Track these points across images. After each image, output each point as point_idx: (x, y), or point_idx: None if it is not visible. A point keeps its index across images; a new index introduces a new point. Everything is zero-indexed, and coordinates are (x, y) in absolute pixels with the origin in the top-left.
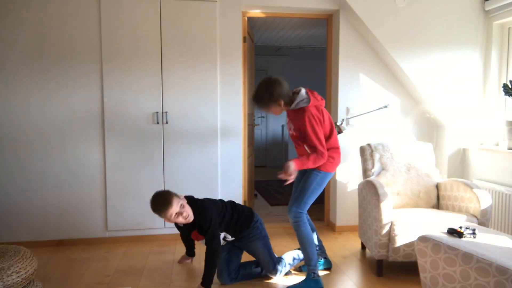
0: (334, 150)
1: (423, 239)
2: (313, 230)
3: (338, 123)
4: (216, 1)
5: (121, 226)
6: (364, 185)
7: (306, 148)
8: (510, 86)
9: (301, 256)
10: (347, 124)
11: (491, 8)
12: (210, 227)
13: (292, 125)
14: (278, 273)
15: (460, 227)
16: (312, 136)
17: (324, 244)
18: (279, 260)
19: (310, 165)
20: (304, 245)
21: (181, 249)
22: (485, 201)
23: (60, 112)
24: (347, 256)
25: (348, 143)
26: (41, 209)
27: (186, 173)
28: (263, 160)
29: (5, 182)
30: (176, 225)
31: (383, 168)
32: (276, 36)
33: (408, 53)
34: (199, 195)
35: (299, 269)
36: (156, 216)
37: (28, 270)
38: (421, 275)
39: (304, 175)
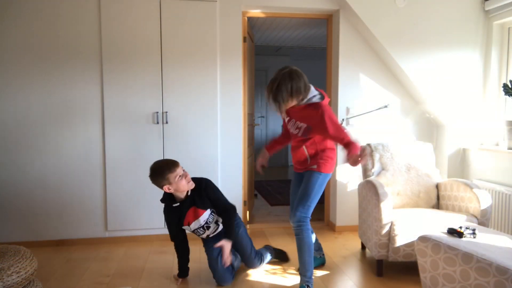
0: (332, 150)
1: (423, 239)
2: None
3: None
4: (216, 1)
5: (121, 226)
6: (364, 185)
7: (305, 148)
8: (510, 86)
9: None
10: (347, 124)
11: (491, 8)
12: (217, 190)
13: (302, 123)
14: (262, 264)
15: (460, 227)
16: (337, 128)
17: (323, 244)
18: (260, 252)
19: (357, 147)
20: (303, 253)
21: None
22: (485, 201)
23: (60, 112)
24: (347, 256)
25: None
26: (41, 209)
27: None
28: None
29: (5, 182)
30: (170, 225)
31: (383, 168)
32: (276, 36)
33: (408, 53)
34: None
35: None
36: (156, 216)
37: (28, 270)
38: (421, 275)
39: (304, 178)
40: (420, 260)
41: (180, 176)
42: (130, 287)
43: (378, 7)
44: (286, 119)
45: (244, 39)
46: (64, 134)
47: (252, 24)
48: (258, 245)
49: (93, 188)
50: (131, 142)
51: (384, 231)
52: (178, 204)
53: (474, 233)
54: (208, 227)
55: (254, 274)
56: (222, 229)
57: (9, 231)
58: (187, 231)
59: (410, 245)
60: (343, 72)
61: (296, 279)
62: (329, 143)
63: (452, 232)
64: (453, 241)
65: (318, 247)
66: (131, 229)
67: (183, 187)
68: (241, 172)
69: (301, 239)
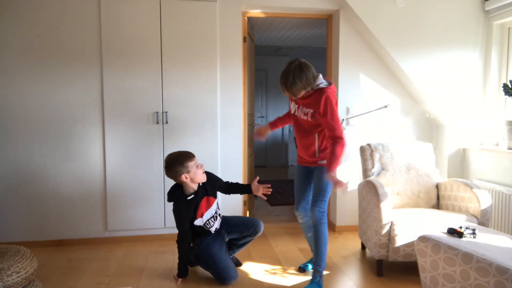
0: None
1: (423, 239)
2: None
3: None
4: (216, 1)
5: (121, 226)
6: (364, 185)
7: (316, 136)
8: (510, 86)
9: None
10: (347, 124)
11: (491, 8)
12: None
13: (308, 109)
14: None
15: (460, 227)
16: (333, 117)
17: None
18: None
19: (339, 159)
20: (319, 245)
21: None
22: (485, 201)
23: (60, 112)
24: (347, 256)
25: (348, 143)
26: (41, 209)
27: None
28: (263, 160)
29: (5, 182)
30: (183, 220)
31: (383, 168)
32: (276, 36)
33: (408, 53)
34: None
35: (301, 269)
36: (156, 216)
37: (28, 270)
38: (421, 275)
39: (315, 175)
40: (420, 260)
41: (197, 165)
42: (130, 287)
43: (378, 7)
44: (294, 108)
45: (244, 39)
46: (64, 134)
47: (252, 24)
48: (258, 244)
49: (93, 188)
50: (131, 142)
51: (384, 231)
52: (192, 196)
53: (474, 233)
54: (217, 217)
55: (254, 274)
56: (221, 225)
57: (9, 231)
58: (198, 224)
59: (410, 245)
60: (343, 72)
61: (296, 279)
62: (338, 134)
63: (452, 232)
64: (453, 241)
65: None
66: (131, 229)
67: (200, 176)
68: (241, 172)
69: (319, 232)
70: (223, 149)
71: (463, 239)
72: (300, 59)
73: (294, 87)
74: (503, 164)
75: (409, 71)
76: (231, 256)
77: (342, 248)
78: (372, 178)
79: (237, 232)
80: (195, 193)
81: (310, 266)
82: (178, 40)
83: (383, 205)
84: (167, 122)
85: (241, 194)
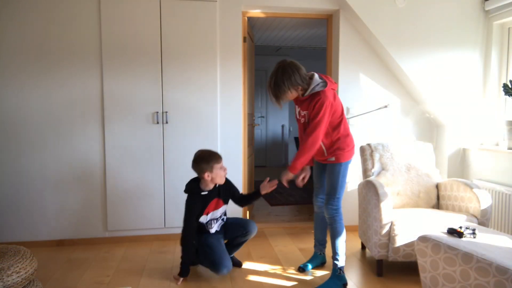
0: (346, 137)
1: (423, 239)
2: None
3: None
4: (216, 1)
5: (121, 226)
6: (364, 185)
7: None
8: (510, 86)
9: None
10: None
11: (491, 8)
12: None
13: (304, 112)
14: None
15: (460, 227)
16: (318, 122)
17: None
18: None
19: (303, 159)
20: (336, 240)
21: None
22: (485, 201)
23: (60, 111)
24: (347, 256)
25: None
26: (41, 209)
27: (186, 173)
28: (263, 160)
29: (5, 182)
30: (191, 215)
31: (383, 168)
32: (276, 36)
33: (408, 53)
34: None
35: (301, 269)
36: (156, 216)
37: (28, 270)
38: (421, 275)
39: (326, 172)
40: (420, 260)
41: (221, 168)
42: (130, 287)
43: (378, 7)
44: (297, 111)
45: (244, 39)
46: (64, 134)
47: (252, 24)
48: (258, 244)
49: (93, 188)
50: (131, 142)
51: (384, 231)
52: (206, 192)
53: (474, 233)
54: (218, 221)
55: (254, 274)
56: (220, 228)
57: (9, 231)
58: (202, 221)
59: (410, 245)
60: (343, 72)
61: (296, 280)
62: (343, 130)
63: (452, 232)
64: (453, 241)
65: (323, 241)
66: (131, 229)
67: (220, 178)
68: (241, 172)
69: (335, 229)
70: (223, 149)
71: (463, 239)
72: (286, 60)
73: (278, 90)
74: (503, 164)
75: (409, 71)
76: (231, 256)
77: None
78: (372, 178)
79: (230, 231)
80: (209, 191)
81: (310, 266)
82: (178, 40)
83: (383, 205)
84: (167, 122)
85: (254, 201)
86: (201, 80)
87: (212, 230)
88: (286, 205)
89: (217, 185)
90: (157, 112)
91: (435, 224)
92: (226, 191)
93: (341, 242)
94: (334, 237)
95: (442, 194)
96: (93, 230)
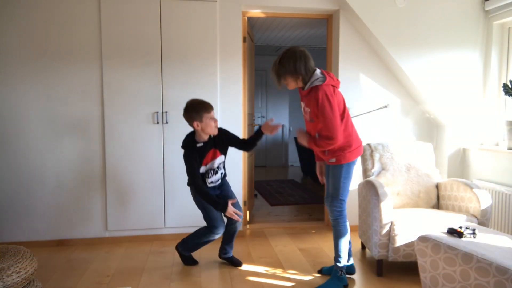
0: (348, 137)
1: (423, 239)
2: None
3: None
4: (216, 1)
5: (121, 226)
6: (364, 185)
7: (317, 136)
8: (510, 86)
9: None
10: None
11: (491, 8)
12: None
13: (308, 109)
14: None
15: (460, 227)
16: (326, 117)
17: (324, 244)
18: None
19: (316, 148)
20: (339, 242)
21: None
22: (485, 201)
23: (60, 112)
24: None
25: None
26: (41, 209)
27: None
28: (263, 160)
29: (5, 182)
30: (192, 165)
31: (383, 168)
32: (276, 36)
33: (408, 53)
34: None
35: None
36: (156, 216)
37: (28, 270)
38: (421, 275)
39: (329, 173)
40: (420, 260)
41: (211, 118)
42: (130, 287)
43: (378, 7)
44: (302, 106)
45: (244, 39)
46: (64, 134)
47: (252, 24)
48: (258, 244)
49: (93, 188)
50: (131, 142)
51: (384, 231)
52: (201, 144)
53: (474, 233)
54: (217, 172)
55: (254, 274)
56: (219, 181)
57: (9, 231)
58: (201, 171)
59: (410, 245)
60: (343, 72)
61: (296, 280)
62: (344, 129)
63: (452, 232)
64: (453, 241)
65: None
66: (131, 229)
67: (210, 128)
68: (241, 172)
69: (338, 231)
70: None
71: (463, 239)
72: (299, 47)
73: (280, 69)
74: (503, 164)
75: (409, 71)
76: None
77: None
78: (372, 178)
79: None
80: (205, 143)
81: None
82: (178, 40)
83: (383, 205)
84: (167, 122)
85: (257, 142)
86: (201, 80)
87: (209, 181)
88: (286, 205)
89: (211, 136)
90: (157, 112)
91: (435, 224)
92: (223, 141)
93: (344, 244)
94: (337, 238)
95: (442, 194)
96: (93, 230)
